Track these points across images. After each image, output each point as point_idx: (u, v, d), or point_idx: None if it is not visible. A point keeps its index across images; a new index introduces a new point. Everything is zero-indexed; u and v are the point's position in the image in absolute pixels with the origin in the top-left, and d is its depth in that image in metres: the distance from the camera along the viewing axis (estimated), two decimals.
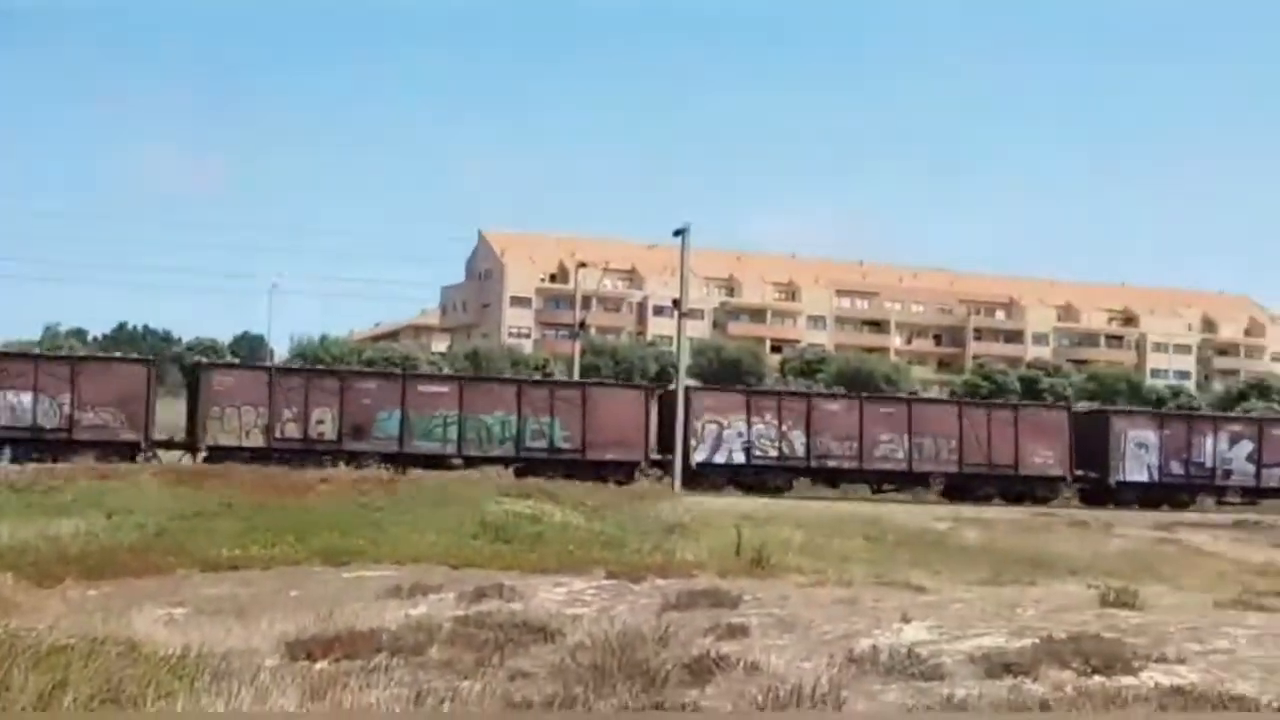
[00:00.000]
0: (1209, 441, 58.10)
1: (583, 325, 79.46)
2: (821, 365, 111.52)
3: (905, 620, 14.03)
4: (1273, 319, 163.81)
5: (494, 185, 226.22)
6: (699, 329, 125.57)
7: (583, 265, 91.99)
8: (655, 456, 51.54)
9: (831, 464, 53.73)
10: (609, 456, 50.73)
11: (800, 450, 53.37)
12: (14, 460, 42.45)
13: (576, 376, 69.06)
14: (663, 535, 27.65)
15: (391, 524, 26.63)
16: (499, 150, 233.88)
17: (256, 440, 47.45)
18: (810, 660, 12.13)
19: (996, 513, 42.84)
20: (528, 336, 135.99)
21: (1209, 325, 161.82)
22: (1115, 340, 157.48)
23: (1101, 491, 55.85)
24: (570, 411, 51.00)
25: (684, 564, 20.41)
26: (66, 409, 45.91)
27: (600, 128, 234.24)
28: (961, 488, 53.86)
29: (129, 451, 45.33)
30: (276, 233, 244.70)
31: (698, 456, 51.44)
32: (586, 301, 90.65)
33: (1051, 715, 9.49)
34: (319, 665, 11.79)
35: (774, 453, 53.26)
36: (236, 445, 46.82)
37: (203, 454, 47.05)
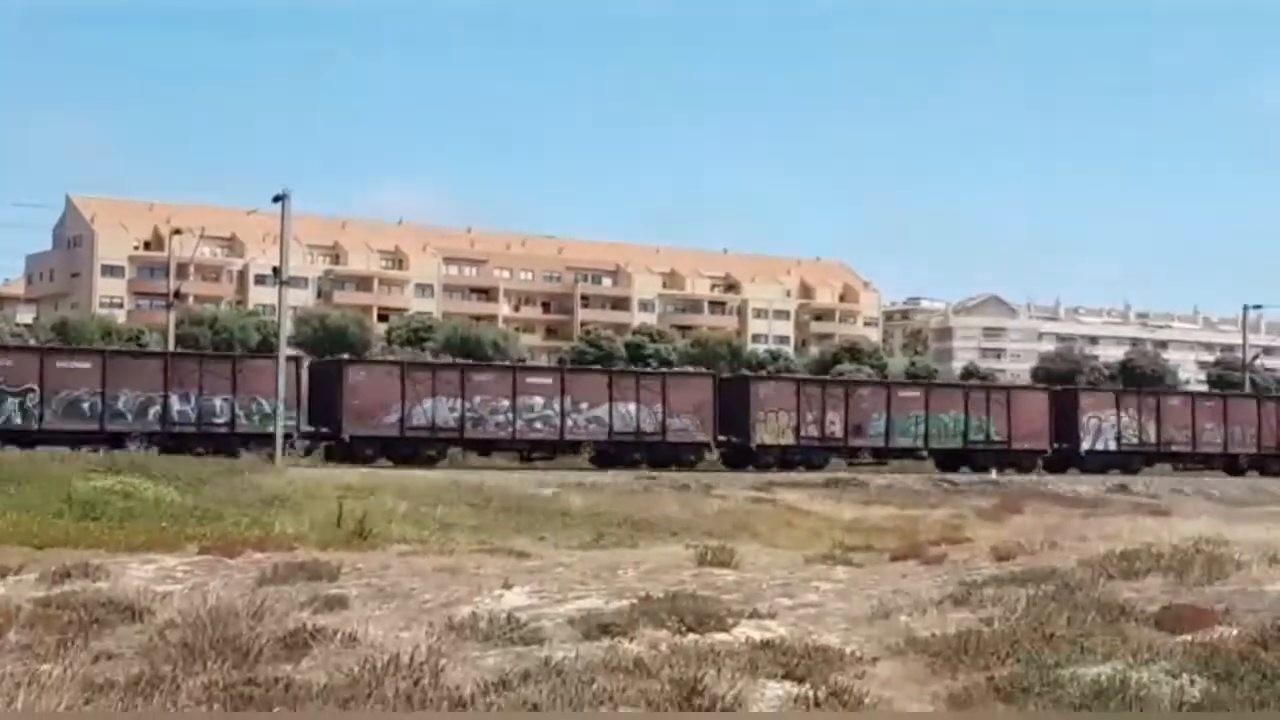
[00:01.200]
0: None
1: (178, 294, 77.18)
2: (429, 333, 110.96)
3: (507, 586, 14.09)
4: (866, 284, 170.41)
5: (80, 150, 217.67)
6: (303, 298, 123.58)
7: (177, 232, 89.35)
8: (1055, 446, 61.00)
9: (1174, 449, 63.73)
10: (1025, 446, 60.18)
11: (1152, 438, 63.01)
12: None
13: (171, 346, 67.27)
14: (262, 509, 27.10)
15: None
16: (84, 113, 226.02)
17: (789, 439, 56.00)
18: (410, 630, 12.07)
19: (600, 478, 43.34)
20: (121, 306, 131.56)
21: (806, 291, 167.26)
22: (718, 306, 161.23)
23: None
24: (999, 410, 60.52)
25: (283, 537, 20.09)
26: (659, 416, 54.07)
27: (197, 91, 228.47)
28: (1255, 465, 63.99)
29: (699, 451, 54.75)
30: None
31: (1084, 445, 61.18)
32: (183, 270, 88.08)
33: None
34: None
35: (1135, 441, 62.59)
36: (774, 443, 55.61)
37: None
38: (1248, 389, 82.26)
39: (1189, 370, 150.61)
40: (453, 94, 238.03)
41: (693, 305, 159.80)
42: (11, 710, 9.25)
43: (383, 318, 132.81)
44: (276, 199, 50.79)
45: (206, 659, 10.76)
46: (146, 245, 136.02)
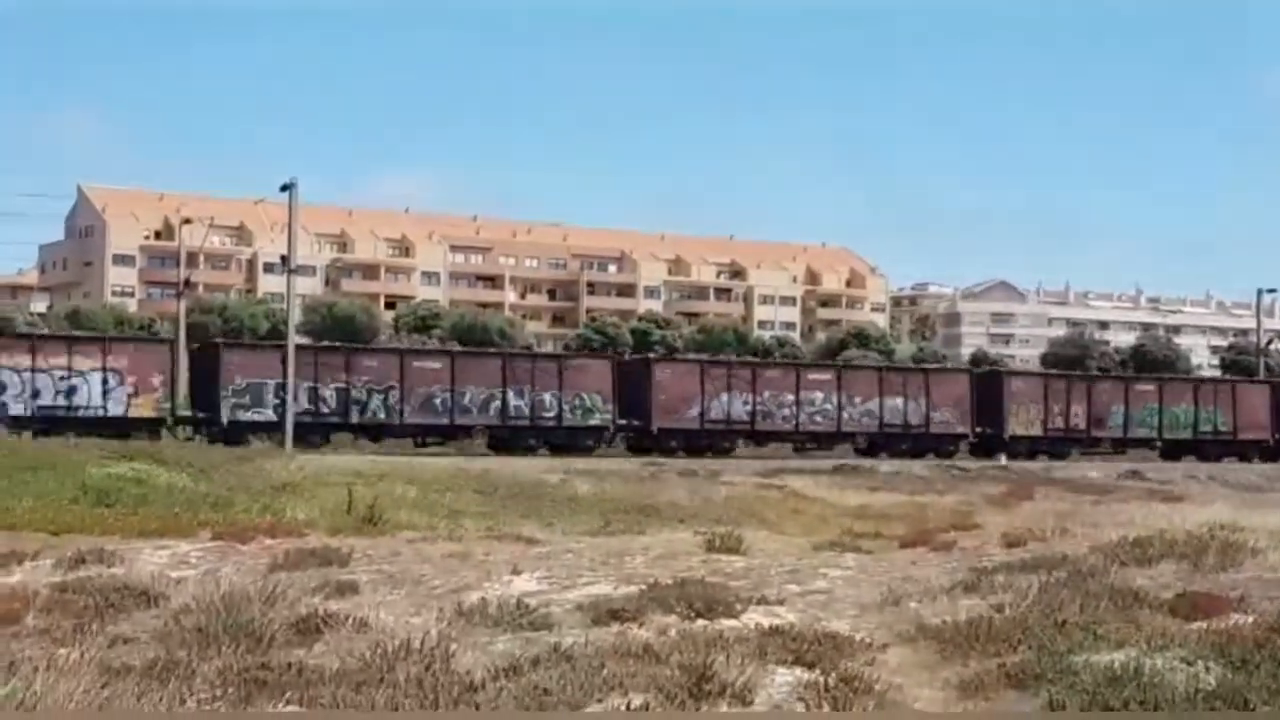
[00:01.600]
0: None
1: (188, 283, 77.31)
2: (436, 321, 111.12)
3: (515, 572, 14.10)
4: (872, 270, 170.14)
5: (92, 141, 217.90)
6: (310, 286, 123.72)
7: (187, 221, 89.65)
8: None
9: None
10: (1249, 437, 65.02)
11: None
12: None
13: (182, 335, 67.43)
14: (273, 495, 27.12)
15: None
16: (94, 106, 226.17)
17: (1037, 430, 61.05)
18: (420, 615, 12.10)
19: (607, 464, 43.36)
20: (132, 295, 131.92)
21: (812, 277, 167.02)
22: (724, 293, 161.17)
23: None
24: (1226, 402, 65.30)
25: (294, 523, 20.08)
26: (924, 409, 58.84)
27: (205, 83, 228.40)
28: None
29: (957, 442, 59.46)
30: None
31: None
32: (193, 259, 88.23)
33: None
34: None
35: None
36: (1025, 434, 60.54)
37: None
38: (1262, 374, 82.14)
39: (1201, 355, 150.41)
40: (458, 83, 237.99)
41: (698, 292, 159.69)
42: (31, 696, 9.28)
43: (390, 305, 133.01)
44: (284, 188, 51.02)
45: (221, 644, 10.81)
46: (157, 235, 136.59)
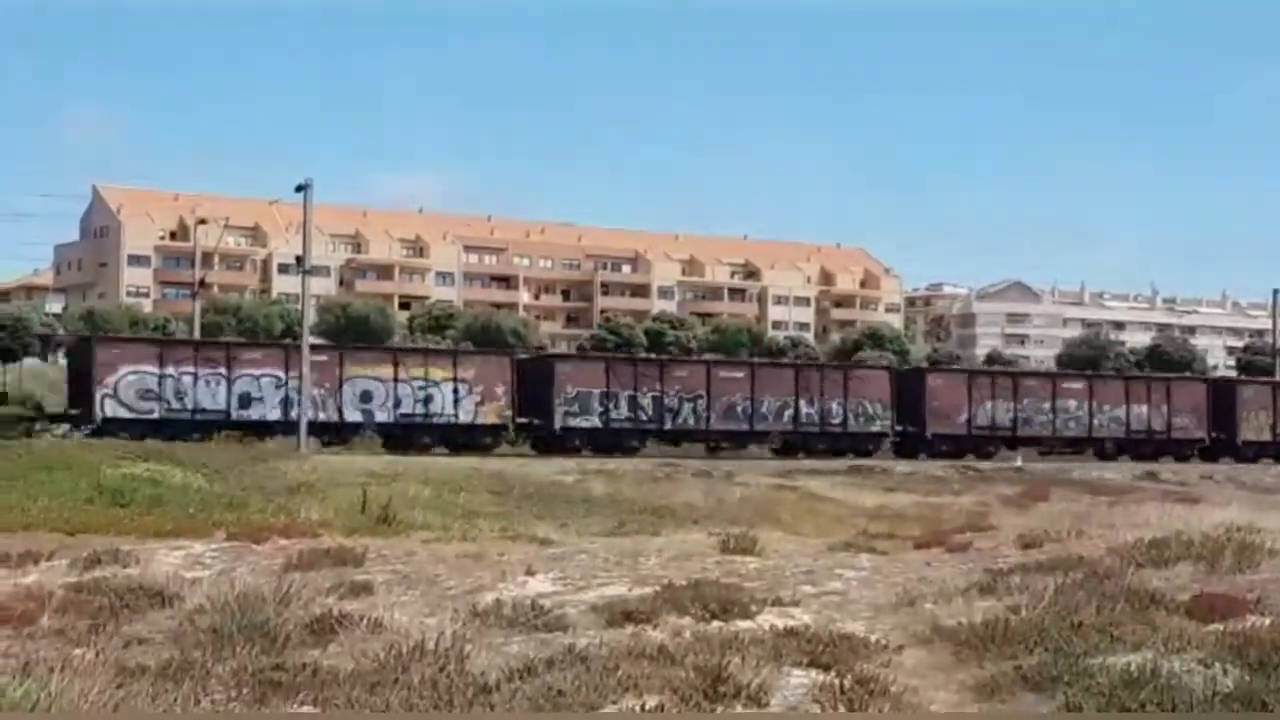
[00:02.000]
0: None
1: (203, 283, 77.38)
2: (450, 321, 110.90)
3: (530, 573, 14.09)
4: (887, 270, 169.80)
5: (106, 141, 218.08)
6: (325, 286, 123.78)
7: (202, 222, 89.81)
8: None
9: None
10: None
11: None
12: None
13: (197, 335, 67.59)
14: (287, 495, 27.15)
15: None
16: (109, 105, 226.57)
17: (1266, 436, 64.60)
18: (434, 616, 12.10)
19: (621, 464, 43.35)
20: (147, 295, 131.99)
21: (827, 278, 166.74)
22: (738, 293, 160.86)
23: None
24: None
25: (308, 524, 20.09)
26: (1165, 415, 62.73)
27: (220, 82, 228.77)
28: None
29: (1193, 446, 63.20)
30: None
31: None
32: (208, 259, 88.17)
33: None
34: None
35: None
36: (1255, 439, 64.01)
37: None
38: (1278, 375, 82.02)
39: (1217, 356, 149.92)
40: (471, 82, 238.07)
41: (712, 292, 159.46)
42: (46, 697, 9.28)
43: (404, 306, 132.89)
44: (299, 189, 51.08)
45: (235, 644, 10.81)
46: (172, 235, 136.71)
